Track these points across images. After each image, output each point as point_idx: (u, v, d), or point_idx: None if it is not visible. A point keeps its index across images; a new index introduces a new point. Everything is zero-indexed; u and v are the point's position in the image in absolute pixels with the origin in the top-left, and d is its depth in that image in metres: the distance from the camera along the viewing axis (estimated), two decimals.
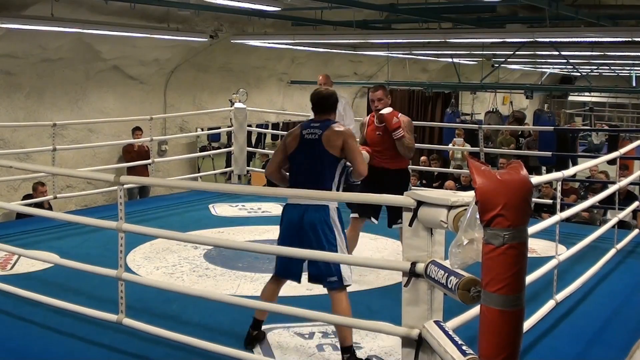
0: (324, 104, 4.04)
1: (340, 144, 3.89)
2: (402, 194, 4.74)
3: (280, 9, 9.20)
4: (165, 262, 5.73)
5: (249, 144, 11.74)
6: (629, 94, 19.94)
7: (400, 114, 5.34)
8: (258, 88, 14.22)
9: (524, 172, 2.22)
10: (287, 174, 4.15)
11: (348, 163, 3.99)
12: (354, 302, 4.77)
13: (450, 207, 2.63)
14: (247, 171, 9.32)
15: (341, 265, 3.76)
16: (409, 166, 5.61)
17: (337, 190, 3.96)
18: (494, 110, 15.63)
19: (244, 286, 5.11)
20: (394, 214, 5.07)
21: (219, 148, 12.60)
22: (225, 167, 11.28)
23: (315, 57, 14.96)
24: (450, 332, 2.70)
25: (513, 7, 11.05)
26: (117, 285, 4.03)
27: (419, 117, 15.51)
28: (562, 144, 12.94)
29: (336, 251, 3.79)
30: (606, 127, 19.50)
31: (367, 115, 5.83)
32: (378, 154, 5.34)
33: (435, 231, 2.89)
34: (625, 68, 18.81)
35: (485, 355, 2.21)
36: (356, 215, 5.32)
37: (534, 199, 7.21)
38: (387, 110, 5.26)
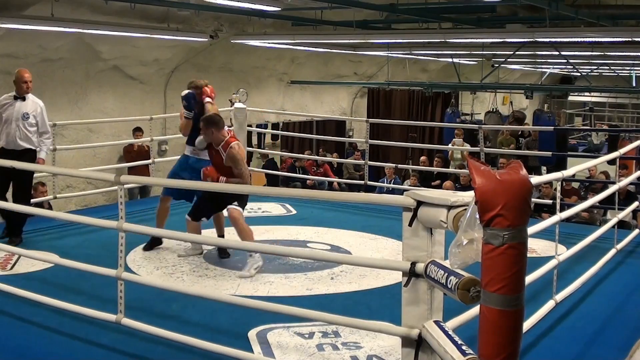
0: None
1: None
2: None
3: (280, 9, 9.21)
4: (165, 262, 5.73)
5: (249, 144, 11.73)
6: (629, 94, 19.94)
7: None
8: (258, 88, 14.21)
9: (524, 172, 2.22)
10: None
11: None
12: (354, 302, 4.79)
13: (450, 207, 2.63)
14: None
15: None
16: None
17: None
18: (494, 110, 15.64)
19: (244, 286, 5.11)
20: None
21: None
22: None
23: (315, 57, 14.96)
24: (450, 332, 2.70)
25: (513, 7, 11.04)
26: (117, 285, 4.03)
27: (419, 117, 15.50)
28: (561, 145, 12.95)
29: None
30: (606, 127, 19.52)
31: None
32: None
33: (435, 231, 2.88)
34: (625, 68, 18.81)
35: (485, 355, 2.21)
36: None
37: (534, 199, 7.22)
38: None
